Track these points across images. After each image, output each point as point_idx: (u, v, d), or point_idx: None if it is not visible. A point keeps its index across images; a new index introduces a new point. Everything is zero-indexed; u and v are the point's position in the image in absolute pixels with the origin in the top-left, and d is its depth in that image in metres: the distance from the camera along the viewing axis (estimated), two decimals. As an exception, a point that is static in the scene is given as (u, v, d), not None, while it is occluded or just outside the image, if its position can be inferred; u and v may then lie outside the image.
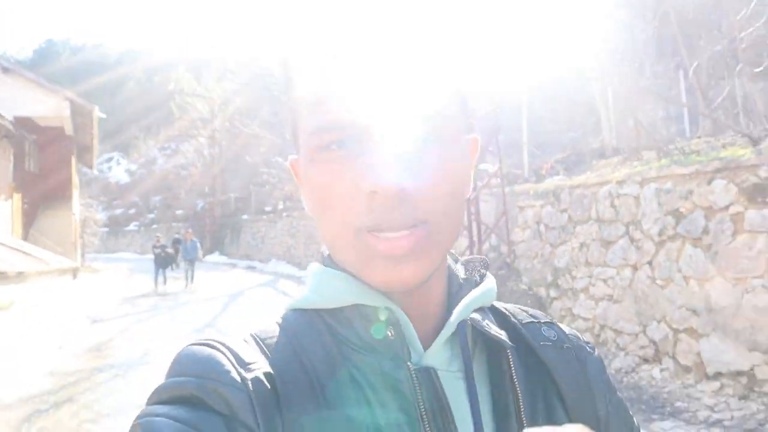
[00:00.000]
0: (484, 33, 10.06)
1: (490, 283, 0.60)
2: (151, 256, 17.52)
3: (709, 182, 4.92)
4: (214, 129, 31.71)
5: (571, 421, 0.56)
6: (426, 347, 0.54)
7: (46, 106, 16.79)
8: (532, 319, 0.63)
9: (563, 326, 0.65)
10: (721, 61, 9.49)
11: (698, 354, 4.96)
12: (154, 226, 37.10)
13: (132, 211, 43.51)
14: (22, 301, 9.22)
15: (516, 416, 0.54)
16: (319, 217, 0.53)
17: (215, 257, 27.65)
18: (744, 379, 4.52)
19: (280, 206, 24.03)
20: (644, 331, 5.67)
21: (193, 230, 21.06)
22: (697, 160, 5.27)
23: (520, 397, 0.54)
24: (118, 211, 43.71)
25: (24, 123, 15.89)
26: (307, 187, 0.54)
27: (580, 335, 0.65)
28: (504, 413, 0.54)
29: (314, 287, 0.57)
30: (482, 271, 0.61)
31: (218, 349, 0.50)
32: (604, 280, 6.28)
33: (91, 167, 24.33)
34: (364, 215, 0.49)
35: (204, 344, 0.51)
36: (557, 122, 15.21)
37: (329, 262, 0.57)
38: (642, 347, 5.68)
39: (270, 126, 26.74)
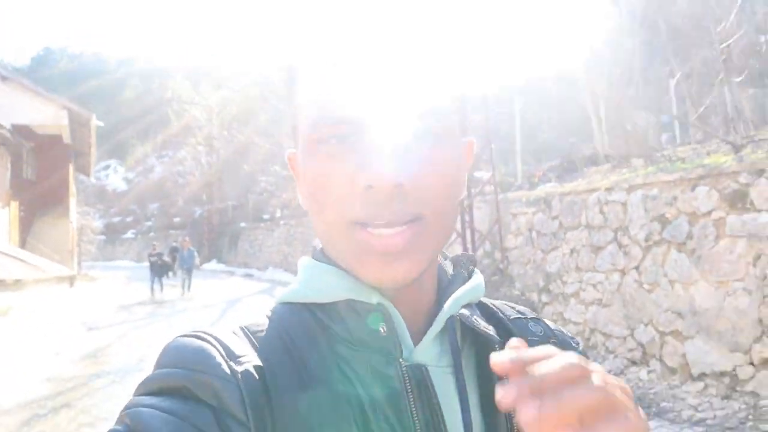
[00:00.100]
0: (479, 40, 10.22)
1: (478, 279, 0.60)
2: (148, 265, 17.52)
3: (693, 189, 5.05)
4: (211, 137, 31.80)
5: None
6: (416, 342, 0.54)
7: (44, 114, 16.88)
8: (519, 315, 0.65)
9: (549, 322, 0.67)
10: (713, 68, 9.64)
11: (683, 356, 5.07)
12: (152, 233, 37.06)
13: (129, 218, 43.51)
14: (19, 308, 9.29)
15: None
16: (315, 211, 0.53)
17: (213, 265, 27.55)
18: (726, 380, 4.63)
19: (278, 214, 24.11)
20: (632, 334, 5.78)
21: (191, 238, 20.96)
22: (681, 167, 5.42)
23: None
24: (115, 219, 43.72)
25: (21, 131, 15.95)
26: (304, 180, 0.54)
27: (565, 330, 0.67)
28: (492, 408, 0.54)
29: (305, 281, 0.57)
30: (470, 267, 0.62)
31: (208, 341, 0.50)
32: (594, 285, 6.41)
33: (88, 175, 24.41)
34: (360, 209, 0.49)
35: (194, 336, 0.51)
36: (551, 130, 15.39)
37: (320, 256, 0.58)
38: (630, 350, 5.80)
39: (267, 134, 26.84)
